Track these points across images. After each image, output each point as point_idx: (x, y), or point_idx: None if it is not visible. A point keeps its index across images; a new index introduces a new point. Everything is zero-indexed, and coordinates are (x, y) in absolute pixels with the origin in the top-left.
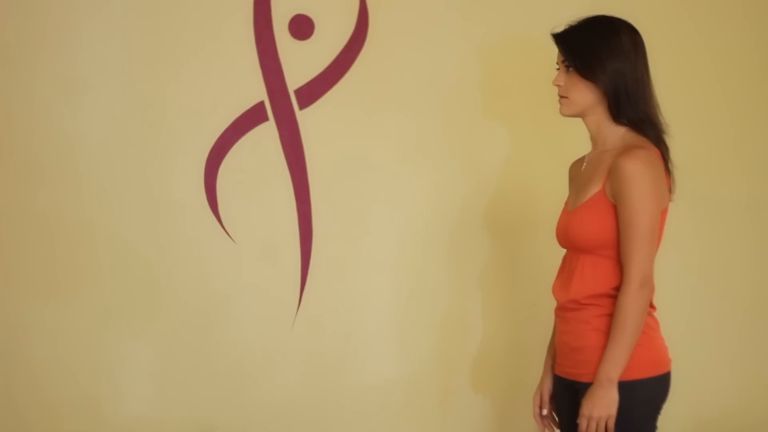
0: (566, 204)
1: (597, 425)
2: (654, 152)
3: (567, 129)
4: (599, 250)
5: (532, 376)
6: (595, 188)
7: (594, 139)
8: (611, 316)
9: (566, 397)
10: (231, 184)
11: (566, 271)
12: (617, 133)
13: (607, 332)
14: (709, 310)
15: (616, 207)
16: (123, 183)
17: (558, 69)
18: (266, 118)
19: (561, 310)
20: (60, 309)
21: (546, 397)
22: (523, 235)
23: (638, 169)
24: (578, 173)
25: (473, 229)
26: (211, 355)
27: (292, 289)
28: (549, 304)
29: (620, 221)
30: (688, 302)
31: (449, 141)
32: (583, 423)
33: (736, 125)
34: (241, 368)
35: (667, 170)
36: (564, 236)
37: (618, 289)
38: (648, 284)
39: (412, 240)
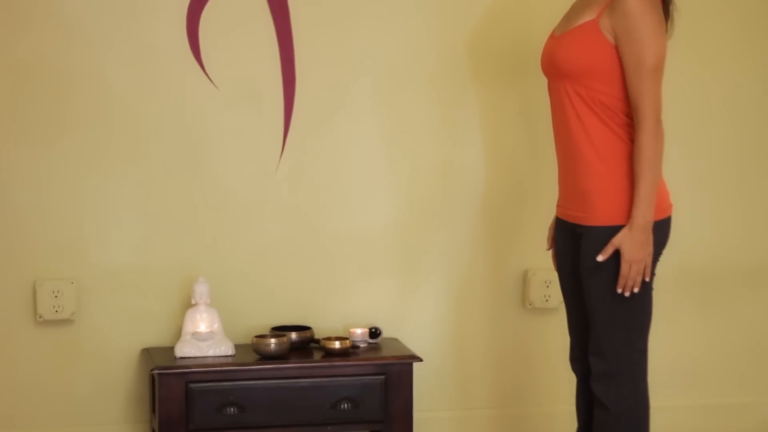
0: (553, 31)
1: (638, 268)
2: None
3: None
4: (583, 79)
5: (532, 219)
6: (588, 17)
7: None
8: (613, 156)
9: (567, 240)
10: (213, 29)
11: (559, 112)
12: None
13: (609, 173)
14: (690, 160)
15: (616, 46)
16: (106, 28)
17: None
18: None
19: (562, 152)
20: (43, 155)
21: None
22: (519, 77)
23: (641, 5)
24: (574, 3)
25: (465, 73)
26: (195, 200)
27: (275, 134)
28: (549, 145)
29: (627, 60)
30: (669, 151)
31: None
32: (625, 267)
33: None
34: (225, 214)
35: (667, 12)
36: (549, 61)
37: (615, 124)
38: (660, 120)
39: (399, 84)
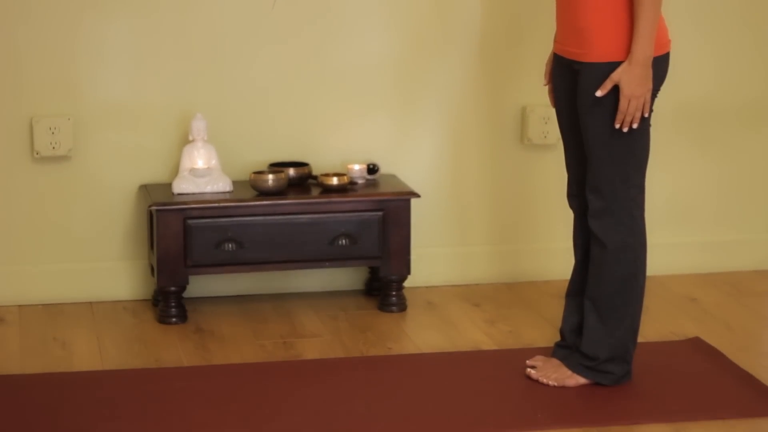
0: None
1: (637, 103)
2: None
3: None
4: None
5: (530, 55)
6: None
7: None
8: None
9: (564, 76)
10: None
11: None
12: None
13: (607, 9)
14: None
15: None
16: None
17: None
18: None
19: None
20: None
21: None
22: None
23: None
24: None
25: None
26: (191, 36)
27: None
28: None
29: None
30: None
31: None
32: (624, 103)
33: None
34: (222, 50)
35: None
36: None
37: None
38: None
39: None
